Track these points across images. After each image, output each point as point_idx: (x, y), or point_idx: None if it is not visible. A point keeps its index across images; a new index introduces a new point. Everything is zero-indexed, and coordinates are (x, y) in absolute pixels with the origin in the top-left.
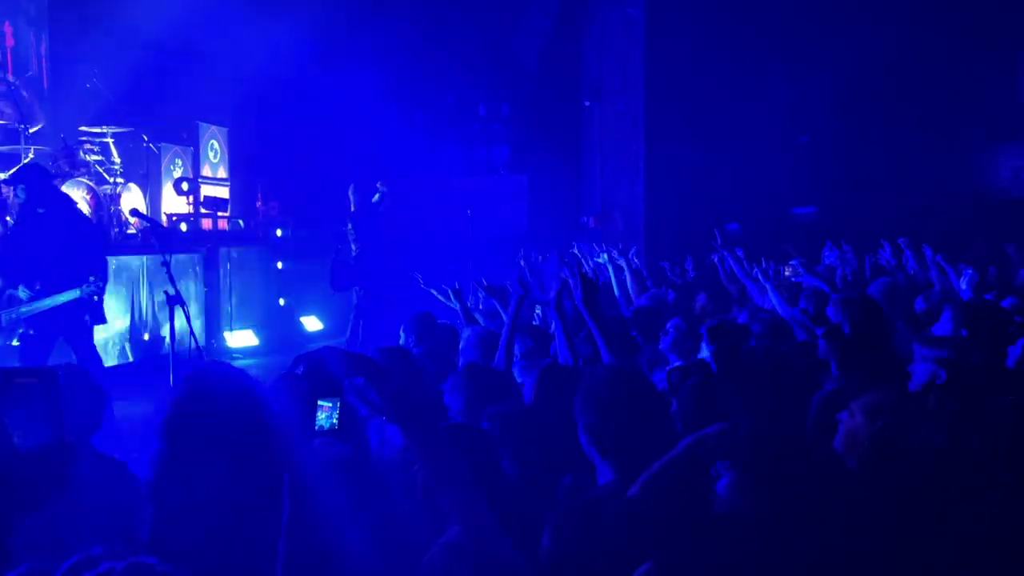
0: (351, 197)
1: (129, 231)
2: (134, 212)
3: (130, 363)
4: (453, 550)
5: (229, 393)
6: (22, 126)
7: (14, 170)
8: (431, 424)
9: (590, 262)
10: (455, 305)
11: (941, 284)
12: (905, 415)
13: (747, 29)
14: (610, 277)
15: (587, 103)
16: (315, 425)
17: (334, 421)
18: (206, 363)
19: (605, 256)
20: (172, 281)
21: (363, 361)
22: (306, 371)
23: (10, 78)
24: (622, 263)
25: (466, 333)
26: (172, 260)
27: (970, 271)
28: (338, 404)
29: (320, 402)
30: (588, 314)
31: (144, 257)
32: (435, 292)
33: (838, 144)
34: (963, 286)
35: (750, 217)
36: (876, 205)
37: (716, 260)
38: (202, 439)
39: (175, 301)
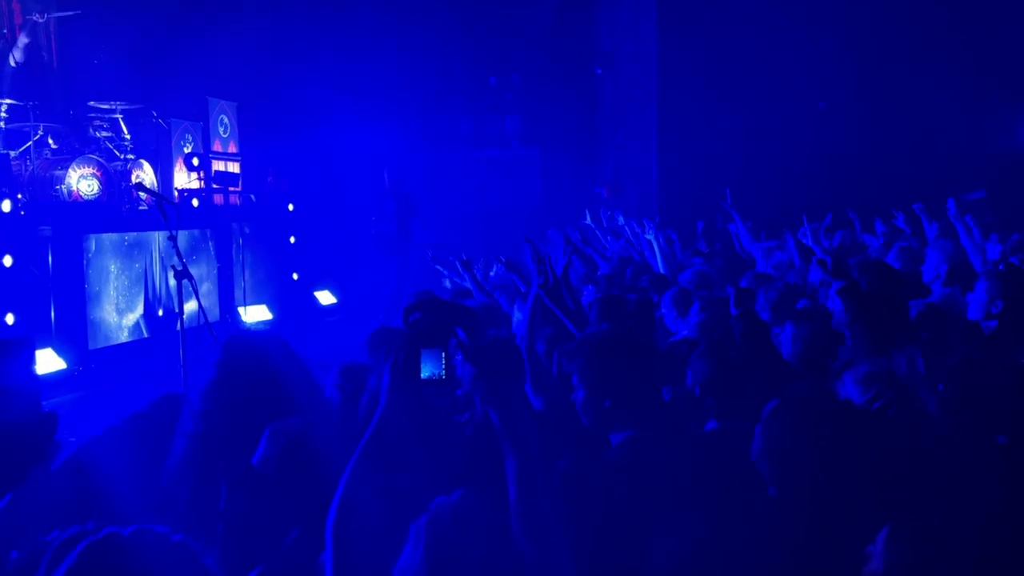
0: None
1: (141, 207)
2: (138, 187)
3: (145, 339)
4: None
5: (267, 358)
6: (31, 103)
7: (24, 147)
8: (512, 381)
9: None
10: (464, 278)
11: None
12: (898, 385)
13: None
14: (656, 253)
15: (599, 71)
16: (422, 374)
17: (442, 370)
18: (246, 330)
19: (651, 235)
20: (179, 255)
21: (464, 311)
22: (416, 320)
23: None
24: (660, 238)
25: (518, 316)
26: (186, 236)
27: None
28: (443, 354)
29: (427, 350)
30: (554, 306)
31: (156, 233)
32: (439, 267)
33: (857, 109)
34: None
35: (766, 185)
36: (895, 170)
37: (732, 229)
38: (241, 400)
39: (182, 276)
